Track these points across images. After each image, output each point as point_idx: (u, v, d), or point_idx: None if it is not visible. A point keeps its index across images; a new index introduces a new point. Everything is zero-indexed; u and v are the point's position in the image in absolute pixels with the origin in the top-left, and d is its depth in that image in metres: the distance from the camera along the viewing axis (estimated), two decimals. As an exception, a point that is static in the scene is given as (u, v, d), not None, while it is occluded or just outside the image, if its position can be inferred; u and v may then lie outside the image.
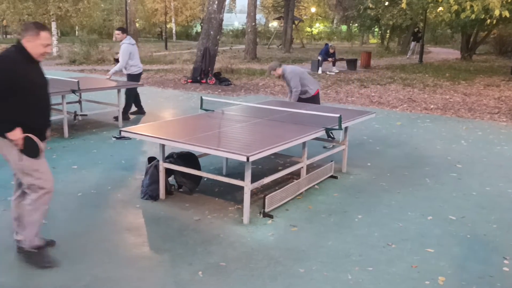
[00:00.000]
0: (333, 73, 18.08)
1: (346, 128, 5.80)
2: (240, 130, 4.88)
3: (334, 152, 5.83)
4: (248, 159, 3.91)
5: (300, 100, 6.96)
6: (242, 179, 4.29)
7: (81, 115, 8.26)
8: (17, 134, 3.26)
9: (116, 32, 9.03)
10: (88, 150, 6.65)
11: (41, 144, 3.42)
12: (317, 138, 6.14)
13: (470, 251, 3.89)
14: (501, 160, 6.68)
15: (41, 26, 3.35)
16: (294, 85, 6.69)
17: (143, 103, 9.47)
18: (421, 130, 8.58)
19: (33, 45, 3.30)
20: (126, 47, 8.66)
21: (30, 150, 3.34)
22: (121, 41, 8.79)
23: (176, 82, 14.72)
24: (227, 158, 5.58)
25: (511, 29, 27.95)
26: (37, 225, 3.47)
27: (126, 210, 4.55)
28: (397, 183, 5.58)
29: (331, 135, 7.07)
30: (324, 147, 6.99)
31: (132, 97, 8.90)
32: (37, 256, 3.49)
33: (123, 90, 8.59)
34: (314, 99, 6.94)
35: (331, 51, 18.67)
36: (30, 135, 3.32)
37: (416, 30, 28.71)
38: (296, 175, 5.42)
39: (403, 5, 11.82)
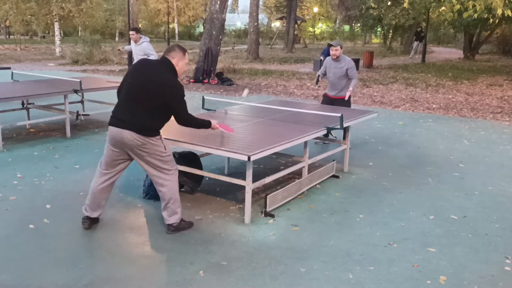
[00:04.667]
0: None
1: (348, 127, 5.80)
2: (242, 129, 4.88)
3: (336, 151, 5.83)
4: (249, 158, 3.91)
5: (330, 98, 7.00)
6: (244, 178, 4.29)
7: (83, 115, 8.28)
8: None
9: (131, 32, 9.17)
10: (90, 150, 6.66)
11: None
12: (318, 138, 6.16)
13: (472, 250, 3.89)
14: (504, 160, 6.66)
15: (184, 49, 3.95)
16: (355, 74, 6.86)
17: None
18: (424, 129, 8.57)
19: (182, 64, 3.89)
20: (149, 44, 9.02)
21: None
22: (136, 41, 8.93)
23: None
24: (228, 158, 5.58)
25: (514, 29, 27.92)
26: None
27: (128, 209, 4.56)
28: (399, 182, 5.58)
29: (332, 135, 7.07)
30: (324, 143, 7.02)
31: None
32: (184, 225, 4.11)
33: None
34: (344, 101, 6.77)
35: (333, 51, 18.63)
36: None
37: (418, 29, 28.68)
38: (297, 174, 5.42)
39: (406, 5, 11.81)
